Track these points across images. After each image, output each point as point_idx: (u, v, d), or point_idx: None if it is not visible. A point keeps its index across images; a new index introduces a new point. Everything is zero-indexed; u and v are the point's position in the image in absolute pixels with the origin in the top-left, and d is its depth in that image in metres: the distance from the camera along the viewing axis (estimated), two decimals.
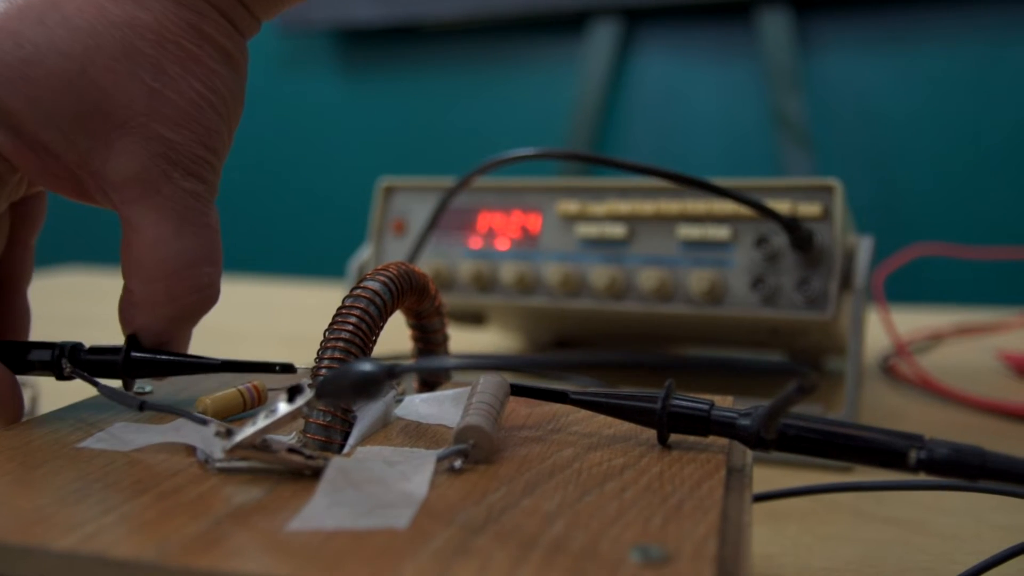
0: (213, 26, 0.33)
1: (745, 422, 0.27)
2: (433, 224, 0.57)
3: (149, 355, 0.33)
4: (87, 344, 0.34)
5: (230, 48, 0.33)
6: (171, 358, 0.33)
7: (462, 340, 0.77)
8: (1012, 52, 1.40)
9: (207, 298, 0.34)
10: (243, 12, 0.34)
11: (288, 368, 0.33)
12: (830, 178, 0.53)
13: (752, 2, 1.50)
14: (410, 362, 0.24)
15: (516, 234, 0.59)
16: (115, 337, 0.34)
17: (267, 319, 0.97)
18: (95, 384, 0.32)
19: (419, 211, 0.61)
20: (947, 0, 1.43)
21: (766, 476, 0.47)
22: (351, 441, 0.29)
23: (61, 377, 0.34)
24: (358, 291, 0.31)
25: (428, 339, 0.37)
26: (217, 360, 0.34)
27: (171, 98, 0.31)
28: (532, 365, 0.24)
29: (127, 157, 0.31)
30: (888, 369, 0.70)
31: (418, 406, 0.32)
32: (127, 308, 0.33)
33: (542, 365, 0.21)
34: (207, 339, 0.86)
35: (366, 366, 0.23)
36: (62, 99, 0.30)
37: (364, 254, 0.63)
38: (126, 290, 0.33)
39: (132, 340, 0.33)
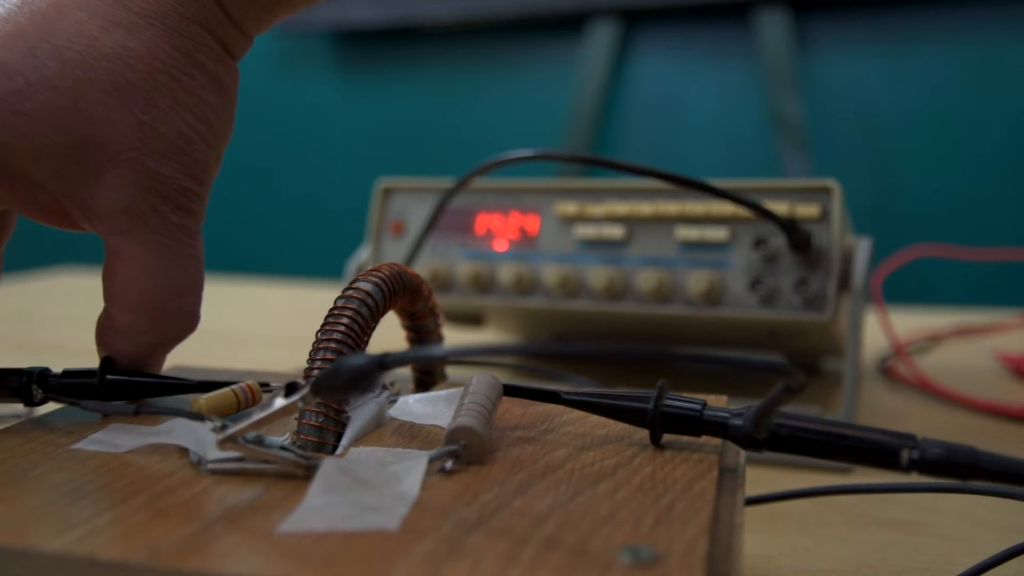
0: (205, 53, 0.33)
1: (737, 422, 0.27)
2: (431, 225, 0.57)
3: (125, 377, 0.33)
4: (65, 361, 0.34)
5: (221, 75, 0.33)
6: (147, 380, 0.34)
7: (460, 341, 0.77)
8: (1009, 53, 1.40)
9: (188, 327, 0.35)
10: (235, 33, 0.34)
11: (266, 386, 0.33)
12: (828, 179, 0.53)
13: (750, 3, 1.50)
14: (400, 352, 0.24)
15: (514, 235, 0.59)
16: None
17: (265, 321, 0.97)
18: (76, 405, 0.32)
19: (417, 212, 0.61)
20: (944, 2, 1.43)
21: (765, 477, 0.47)
22: (344, 442, 0.29)
23: (31, 403, 0.33)
24: (350, 292, 0.31)
25: (423, 340, 0.37)
26: (193, 380, 0.34)
27: (161, 131, 0.31)
28: (522, 353, 0.24)
29: (115, 190, 0.31)
30: (886, 370, 0.70)
31: (412, 406, 0.32)
32: (106, 332, 0.34)
33: (532, 353, 0.21)
34: (205, 342, 0.87)
35: (357, 359, 0.23)
36: (53, 133, 0.30)
37: (362, 255, 0.63)
38: (106, 314, 0.33)
39: (107, 362, 0.33)
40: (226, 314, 1.02)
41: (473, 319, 0.65)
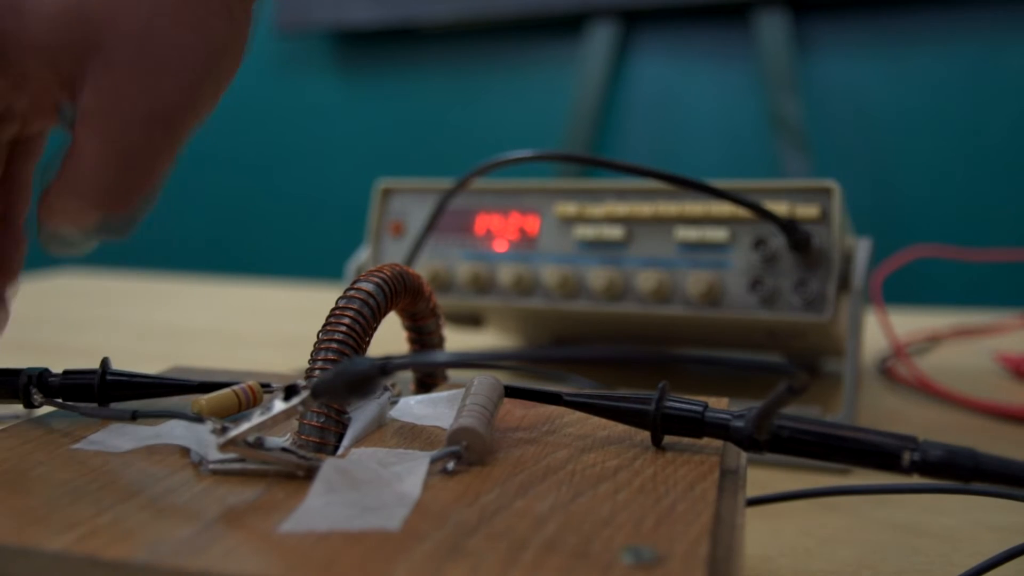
0: None
1: (739, 424, 0.27)
2: (431, 226, 0.57)
3: (126, 376, 0.33)
4: (65, 362, 0.34)
5: (234, 6, 0.33)
6: (148, 380, 0.34)
7: (460, 342, 0.77)
8: (1008, 54, 1.40)
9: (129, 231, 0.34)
10: None
11: (267, 387, 0.33)
12: (828, 180, 0.53)
13: (749, 4, 1.50)
14: (403, 357, 0.24)
15: (514, 236, 0.59)
16: (113, 340, 0.34)
17: (266, 321, 0.97)
18: (75, 409, 0.32)
19: (417, 213, 0.61)
20: (943, 2, 1.43)
21: (765, 478, 0.47)
22: (345, 442, 0.29)
23: (30, 406, 0.33)
24: (351, 292, 0.31)
25: (424, 341, 0.37)
26: (194, 381, 0.34)
27: (158, 45, 0.31)
28: (525, 358, 0.24)
29: (99, 93, 0.31)
30: (886, 371, 0.70)
31: (413, 407, 0.32)
32: (46, 210, 0.33)
33: (534, 359, 0.21)
34: (206, 342, 0.87)
35: (359, 363, 0.23)
36: (54, 28, 0.30)
37: (362, 256, 0.63)
38: (51, 193, 0.33)
39: (107, 363, 0.33)
40: (227, 314, 1.02)
41: (473, 320, 0.65)
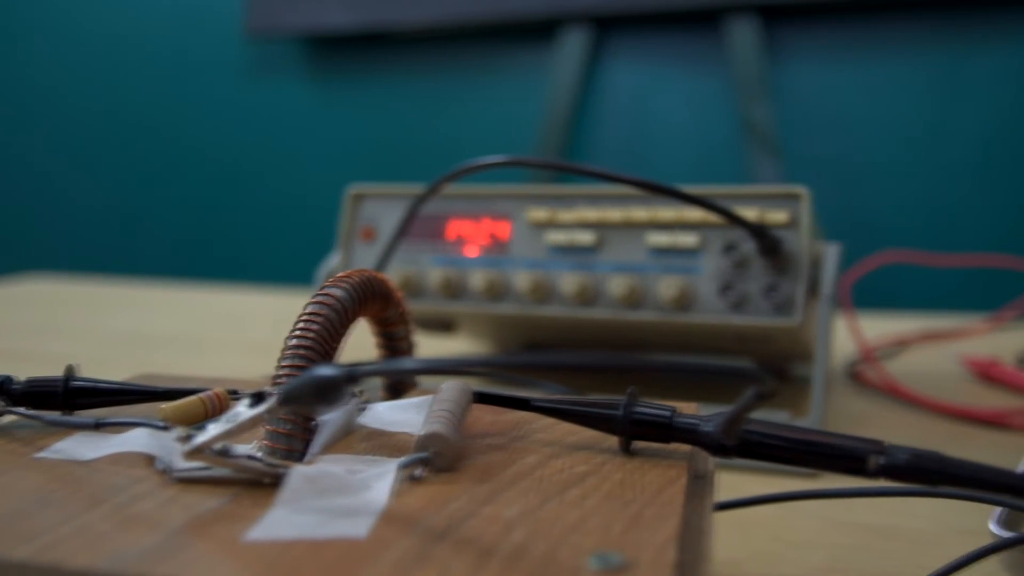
0: None
1: (707, 429, 0.28)
2: (402, 231, 0.57)
3: (91, 384, 0.33)
4: (30, 369, 0.34)
5: None
6: (113, 387, 0.33)
7: (431, 347, 0.77)
8: (977, 61, 1.42)
9: None
10: None
11: (234, 394, 0.33)
12: (797, 186, 0.53)
13: (721, 11, 1.51)
14: (369, 364, 0.24)
15: (486, 241, 0.59)
16: (80, 347, 0.34)
17: (237, 328, 0.97)
18: (38, 418, 0.31)
19: (388, 218, 0.61)
20: (912, 9, 1.44)
21: (735, 482, 0.47)
22: (313, 449, 0.29)
23: None
24: (320, 298, 0.30)
25: (394, 347, 0.37)
26: (160, 388, 0.33)
27: None
28: (492, 365, 0.24)
29: None
30: (855, 375, 0.71)
31: (382, 414, 0.32)
32: None
33: (501, 365, 0.21)
34: (177, 349, 0.86)
35: (326, 370, 0.23)
36: None
37: (333, 261, 0.63)
38: None
39: (71, 370, 0.33)
40: (196, 321, 1.01)
41: (444, 325, 0.65)
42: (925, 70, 1.45)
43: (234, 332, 0.93)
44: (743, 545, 0.40)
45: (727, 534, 0.40)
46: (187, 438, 0.25)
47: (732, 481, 0.47)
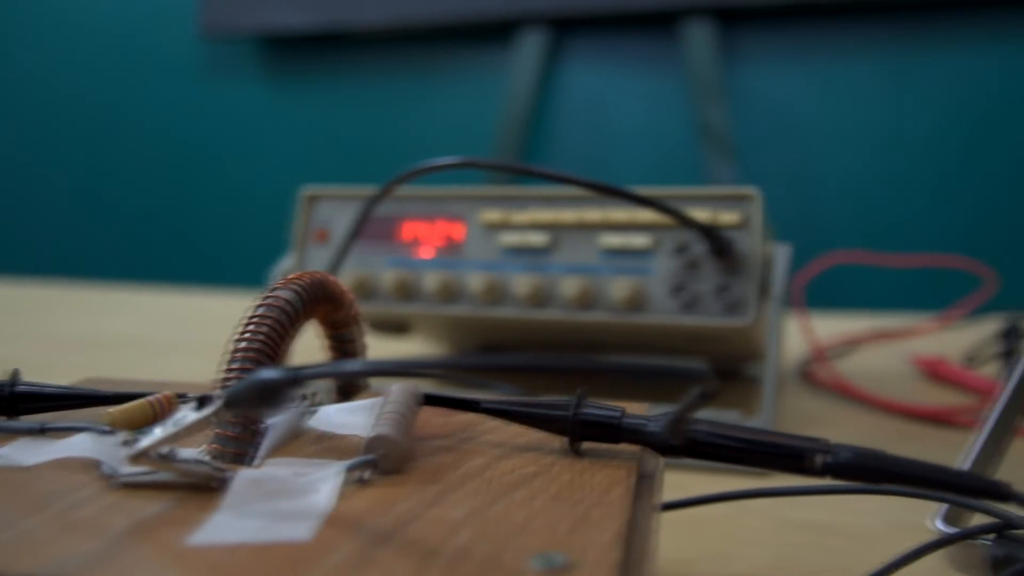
0: None
1: (654, 429, 0.28)
2: (356, 233, 0.56)
3: (35, 388, 0.32)
4: None
5: None
6: (59, 391, 0.33)
7: (386, 349, 0.77)
8: (927, 65, 1.44)
9: None
10: None
11: (183, 397, 0.33)
12: (749, 187, 0.54)
13: (677, 14, 1.52)
14: (314, 367, 0.23)
15: (440, 242, 0.59)
16: (26, 351, 0.34)
17: (191, 330, 0.96)
18: None
19: (342, 220, 0.61)
20: (865, 15, 1.46)
21: (686, 481, 0.48)
22: (261, 453, 0.28)
23: None
24: (267, 300, 0.30)
25: (345, 349, 0.37)
26: (107, 392, 0.33)
27: None
28: (439, 366, 0.24)
29: None
30: (807, 374, 0.72)
31: (332, 416, 0.31)
32: None
33: (444, 366, 0.21)
34: (128, 352, 0.85)
35: (270, 373, 0.23)
36: None
37: (286, 263, 0.62)
38: None
39: (16, 374, 0.33)
40: (148, 323, 1.00)
41: (399, 327, 0.65)
42: (877, 74, 1.47)
43: (187, 335, 0.92)
44: (693, 544, 0.40)
45: (677, 533, 0.41)
46: (131, 442, 0.25)
47: (682, 480, 0.48)
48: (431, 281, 0.57)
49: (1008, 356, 0.67)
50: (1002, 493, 0.26)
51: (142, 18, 1.86)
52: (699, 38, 1.50)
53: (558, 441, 0.30)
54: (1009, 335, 0.67)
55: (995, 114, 1.42)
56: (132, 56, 1.88)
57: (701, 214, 0.53)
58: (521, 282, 0.56)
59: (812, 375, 0.71)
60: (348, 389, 0.37)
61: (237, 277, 1.56)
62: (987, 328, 0.77)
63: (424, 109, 1.71)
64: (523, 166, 0.50)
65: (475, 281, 0.56)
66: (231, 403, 0.24)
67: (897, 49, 1.46)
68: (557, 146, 1.64)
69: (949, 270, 1.00)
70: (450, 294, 0.57)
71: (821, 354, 0.73)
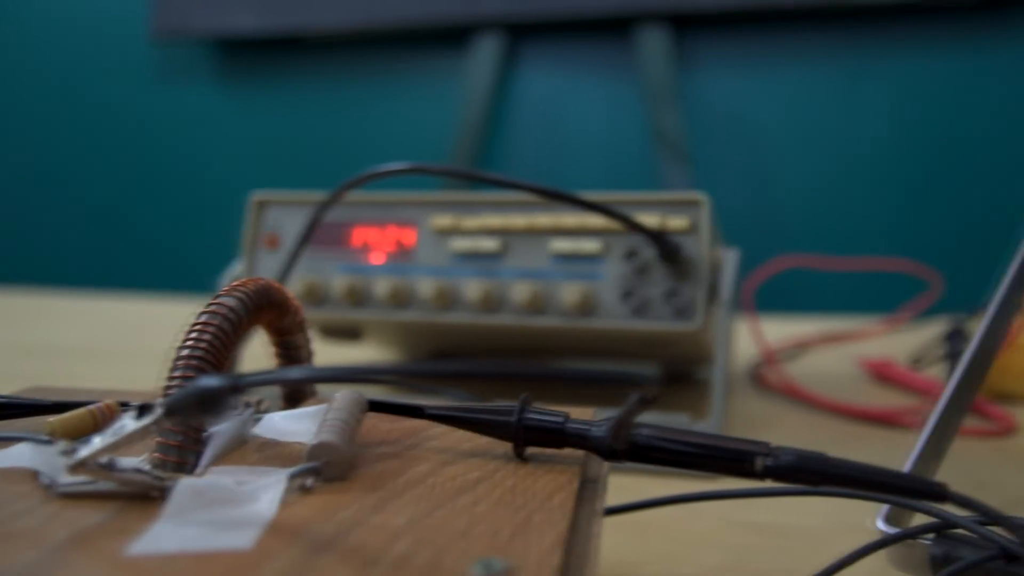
0: None
1: (597, 433, 0.28)
2: (306, 238, 0.56)
3: None
4: None
5: None
6: None
7: (338, 356, 0.77)
8: (876, 70, 1.46)
9: None
10: None
11: (126, 406, 0.32)
12: (697, 192, 0.54)
13: (632, 19, 1.53)
14: (255, 374, 0.23)
15: (391, 248, 0.59)
16: None
17: (142, 337, 0.94)
18: None
19: (293, 225, 0.61)
20: (815, 21, 1.48)
21: (636, 484, 0.48)
22: (204, 461, 0.28)
23: None
24: (211, 307, 0.30)
25: (292, 356, 0.36)
26: (48, 401, 0.33)
27: None
28: (378, 373, 0.24)
29: None
30: (757, 377, 0.73)
31: (277, 423, 0.31)
32: None
33: (388, 372, 0.21)
34: (76, 359, 0.84)
35: (210, 381, 0.23)
36: None
37: (236, 270, 0.62)
38: None
39: None
40: (98, 331, 0.99)
41: (351, 333, 0.64)
42: (828, 80, 1.49)
43: (139, 342, 0.91)
44: (642, 547, 0.40)
45: (626, 536, 0.41)
46: (71, 452, 0.25)
47: (634, 483, 0.48)
48: (382, 287, 0.57)
49: (952, 358, 0.68)
50: (940, 494, 0.27)
51: (91, 21, 1.84)
52: (653, 44, 1.51)
53: (503, 447, 0.30)
54: (953, 337, 0.68)
55: (943, 120, 1.45)
56: (82, 59, 1.85)
57: (650, 219, 0.54)
58: (472, 287, 0.56)
59: (762, 378, 0.72)
60: (295, 396, 0.37)
61: (192, 283, 1.54)
62: (933, 330, 0.78)
63: (380, 114, 1.71)
64: (472, 172, 0.51)
65: (426, 287, 0.56)
66: (171, 411, 0.24)
67: (847, 56, 1.48)
68: (513, 151, 1.64)
69: (897, 273, 1.01)
70: (401, 300, 0.57)
71: (771, 357, 0.74)
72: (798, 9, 1.47)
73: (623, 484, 0.46)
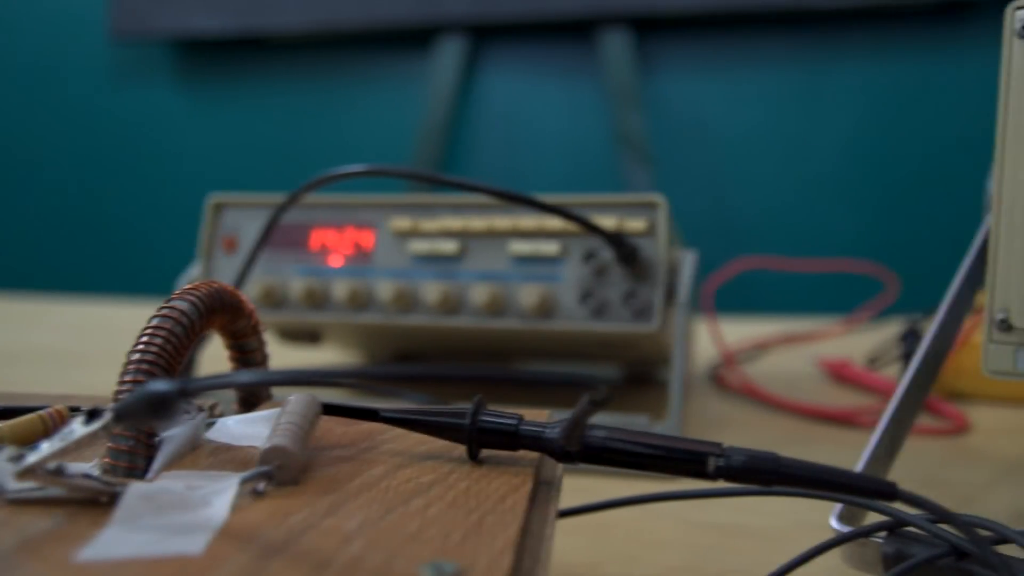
0: None
1: (551, 435, 0.28)
2: (264, 241, 0.56)
3: None
4: None
5: None
6: None
7: (297, 358, 0.76)
8: (836, 76, 1.48)
9: None
10: None
11: (77, 411, 0.32)
12: (655, 194, 0.55)
13: (594, 22, 1.54)
14: (204, 378, 0.23)
15: (349, 250, 0.59)
16: None
17: (103, 340, 0.93)
18: None
19: (250, 228, 0.60)
20: (775, 25, 1.49)
21: (595, 485, 0.48)
22: (155, 466, 0.28)
23: None
24: (163, 311, 0.30)
25: (246, 359, 0.36)
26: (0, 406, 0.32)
27: None
28: (328, 376, 0.24)
29: None
30: (716, 378, 0.73)
31: (230, 428, 0.31)
32: None
33: (338, 376, 0.21)
34: (34, 364, 0.83)
35: (159, 385, 0.23)
36: None
37: (194, 272, 0.61)
38: None
39: None
40: (57, 334, 0.98)
41: (310, 336, 0.64)
42: (787, 83, 1.50)
43: (100, 345, 0.90)
44: (601, 548, 0.40)
45: (585, 537, 0.41)
46: (18, 458, 0.25)
47: (593, 484, 0.48)
48: (341, 289, 0.57)
49: (907, 358, 0.69)
50: (890, 493, 0.27)
51: (48, 21, 1.81)
52: (616, 47, 1.52)
53: (458, 449, 0.30)
54: (908, 337, 0.69)
55: (899, 124, 1.47)
56: (39, 60, 1.83)
57: (608, 221, 0.54)
58: (431, 290, 0.56)
59: (722, 379, 0.73)
60: (250, 400, 0.37)
61: (156, 285, 1.52)
62: (889, 331, 0.79)
63: (342, 115, 1.70)
64: (431, 174, 0.50)
65: (385, 289, 0.56)
66: (121, 416, 0.24)
67: (807, 60, 1.49)
68: (476, 153, 1.64)
69: (854, 275, 1.02)
70: (360, 302, 0.57)
71: (730, 358, 0.75)
72: (759, 13, 1.48)
73: (583, 486, 0.47)
